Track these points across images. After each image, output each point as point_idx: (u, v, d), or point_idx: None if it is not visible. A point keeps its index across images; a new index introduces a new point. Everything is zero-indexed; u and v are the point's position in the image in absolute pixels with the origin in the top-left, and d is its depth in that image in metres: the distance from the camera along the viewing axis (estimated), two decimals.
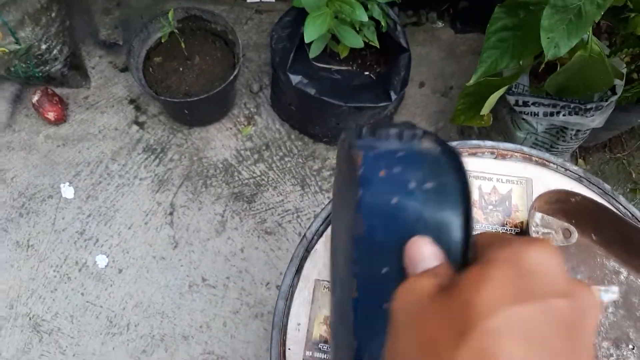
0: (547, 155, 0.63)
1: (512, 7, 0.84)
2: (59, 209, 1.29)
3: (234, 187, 1.32)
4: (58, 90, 1.37)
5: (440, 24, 1.59)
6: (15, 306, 1.20)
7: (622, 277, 0.59)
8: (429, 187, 0.28)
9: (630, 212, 0.61)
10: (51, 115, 1.33)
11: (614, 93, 1.00)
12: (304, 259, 0.58)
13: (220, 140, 1.37)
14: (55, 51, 1.29)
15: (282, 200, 1.31)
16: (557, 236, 0.57)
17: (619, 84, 1.01)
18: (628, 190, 1.39)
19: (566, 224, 0.57)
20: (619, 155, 1.43)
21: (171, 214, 1.29)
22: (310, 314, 0.56)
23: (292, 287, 0.57)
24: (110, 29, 1.46)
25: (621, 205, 0.62)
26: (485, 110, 1.02)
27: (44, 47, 1.25)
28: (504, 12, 0.85)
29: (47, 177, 1.32)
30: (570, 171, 0.63)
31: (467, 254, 0.28)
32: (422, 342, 0.22)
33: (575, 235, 0.57)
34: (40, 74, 1.31)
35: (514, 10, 0.84)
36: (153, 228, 1.28)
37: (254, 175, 1.34)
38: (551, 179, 0.62)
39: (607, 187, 0.62)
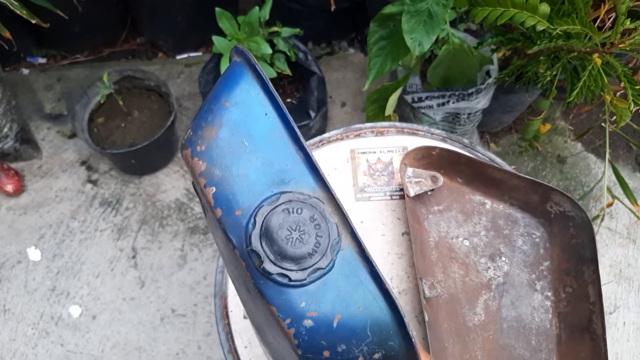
0: (415, 126, 0.79)
1: (383, 20, 1.02)
2: (29, 271, 1.38)
3: (188, 222, 1.44)
4: (13, 164, 1.48)
5: (352, 51, 1.79)
6: None
7: (487, 207, 0.74)
8: (377, 358, 0.27)
9: (486, 156, 0.77)
10: (9, 188, 1.43)
11: (490, 77, 1.19)
12: None
13: (170, 183, 1.50)
14: (5, 129, 1.41)
15: None
16: (426, 182, 0.72)
17: (493, 68, 1.20)
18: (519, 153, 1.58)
19: (432, 172, 0.72)
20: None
21: (134, 257, 1.40)
22: None
23: None
24: (54, 102, 1.59)
25: (479, 153, 0.78)
26: (389, 111, 1.19)
27: None
28: (377, 26, 1.03)
29: (14, 244, 1.41)
30: (435, 134, 0.79)
31: None
32: None
33: (441, 179, 0.72)
34: None
35: (385, 22, 1.02)
36: (119, 273, 1.38)
37: None
38: (421, 143, 0.78)
39: (466, 141, 0.78)
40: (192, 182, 0.27)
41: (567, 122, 1.71)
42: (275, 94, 0.28)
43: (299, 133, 0.27)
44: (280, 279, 0.24)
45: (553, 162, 1.63)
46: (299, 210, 0.25)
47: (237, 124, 0.27)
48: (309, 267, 0.24)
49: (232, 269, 0.29)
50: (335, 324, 0.25)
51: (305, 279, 0.24)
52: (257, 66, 0.28)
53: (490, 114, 1.47)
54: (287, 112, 0.28)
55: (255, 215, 0.24)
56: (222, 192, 0.25)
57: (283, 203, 0.24)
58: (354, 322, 0.26)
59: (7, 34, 1.22)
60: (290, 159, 0.26)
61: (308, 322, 0.25)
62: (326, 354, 0.25)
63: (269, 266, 0.24)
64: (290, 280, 0.24)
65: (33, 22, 1.14)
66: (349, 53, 1.78)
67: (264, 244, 0.24)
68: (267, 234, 0.24)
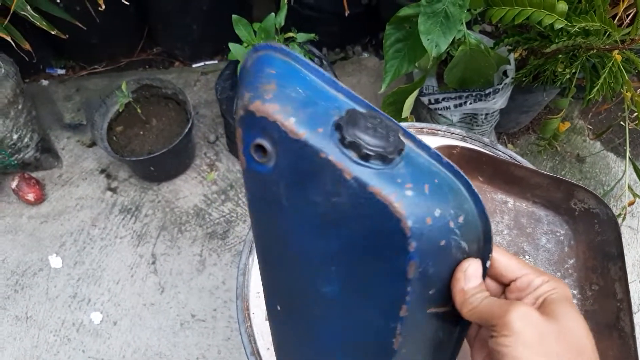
0: (434, 125, 0.79)
1: (398, 23, 1.03)
2: (50, 279, 1.40)
3: (206, 228, 1.45)
4: (34, 174, 1.51)
5: (365, 55, 1.79)
6: None
7: (510, 205, 0.73)
8: (461, 221, 0.32)
9: (507, 154, 0.77)
10: (31, 197, 1.46)
11: (507, 77, 1.19)
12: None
13: (188, 189, 1.51)
14: (26, 139, 1.43)
15: None
16: None
17: (510, 68, 1.19)
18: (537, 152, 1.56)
19: None
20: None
21: (153, 263, 1.41)
22: None
23: (247, 265, 0.70)
24: (73, 112, 1.62)
25: (500, 151, 0.77)
26: (406, 113, 1.19)
27: (15, 137, 1.39)
28: (394, 28, 1.03)
29: (35, 252, 1.43)
30: (455, 134, 0.79)
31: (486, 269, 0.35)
32: (546, 352, 0.30)
33: None
34: (16, 162, 1.45)
35: (401, 25, 1.03)
36: (139, 279, 1.39)
37: (224, 214, 1.47)
38: (441, 143, 0.78)
39: (486, 139, 0.78)
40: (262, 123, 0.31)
41: (586, 121, 1.69)
42: (308, 61, 0.34)
43: (337, 81, 0.33)
44: (377, 163, 0.29)
45: (572, 162, 1.61)
46: (364, 116, 0.30)
47: (287, 80, 0.32)
48: (394, 150, 0.29)
49: (306, 195, 0.32)
50: (427, 191, 0.30)
51: (395, 159, 0.30)
52: (283, 48, 0.33)
53: (508, 114, 1.47)
54: (321, 69, 0.33)
55: (337, 126, 0.30)
56: (301, 119, 0.30)
57: (350, 114, 0.30)
58: (437, 189, 0.31)
59: (27, 46, 1.25)
60: (338, 98, 0.33)
61: (409, 192, 0.29)
62: (428, 220, 0.29)
63: (367, 151, 0.29)
64: (384, 161, 0.29)
65: (53, 33, 1.17)
66: (363, 57, 1.78)
67: (357, 136, 0.29)
68: (355, 131, 0.29)
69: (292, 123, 0.30)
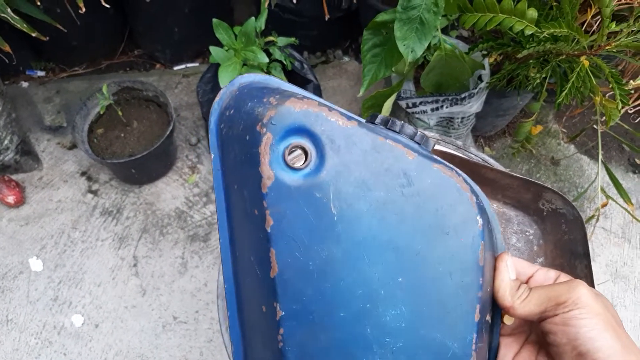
0: None
1: (376, 28, 1.05)
2: (31, 281, 1.39)
3: (188, 230, 1.46)
4: (14, 176, 1.50)
5: (346, 59, 1.82)
6: None
7: None
8: (490, 213, 0.35)
9: (479, 157, 0.80)
10: (11, 200, 1.45)
11: (482, 81, 1.22)
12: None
13: (170, 192, 1.51)
14: (6, 141, 1.43)
15: None
16: None
17: (485, 72, 1.23)
18: (512, 155, 1.61)
19: None
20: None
21: (135, 265, 1.41)
22: None
23: None
24: (53, 114, 1.61)
25: (472, 154, 0.80)
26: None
27: None
28: (371, 33, 1.06)
29: (16, 255, 1.42)
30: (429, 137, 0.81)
31: None
32: (609, 319, 0.33)
33: None
34: None
35: (378, 30, 1.05)
36: (121, 281, 1.39)
37: (205, 216, 1.48)
38: None
39: (459, 142, 0.80)
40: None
41: (560, 125, 1.74)
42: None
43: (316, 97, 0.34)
44: (424, 147, 0.33)
45: (547, 164, 1.66)
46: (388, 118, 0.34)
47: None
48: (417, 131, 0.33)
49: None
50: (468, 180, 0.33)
51: (417, 132, 0.33)
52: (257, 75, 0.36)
53: (484, 118, 1.50)
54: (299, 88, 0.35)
55: (374, 118, 0.33)
56: (341, 112, 0.31)
57: (376, 115, 0.33)
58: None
59: (7, 48, 1.24)
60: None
61: (462, 173, 0.32)
62: (481, 200, 0.31)
63: (416, 136, 0.32)
64: (427, 145, 0.33)
65: (33, 35, 1.17)
66: (344, 61, 1.80)
67: (401, 125, 0.32)
68: (396, 122, 0.32)
69: (337, 114, 0.29)
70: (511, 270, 0.37)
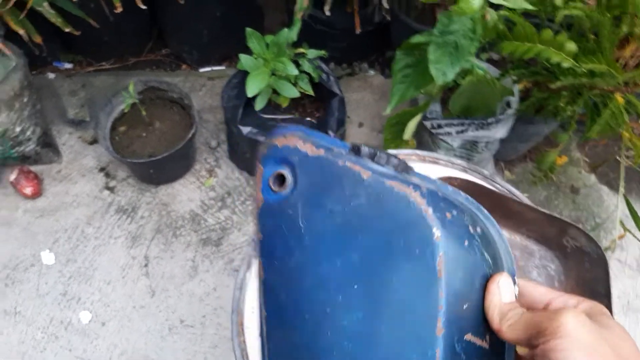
0: (435, 154, 0.80)
1: (408, 49, 1.04)
2: (42, 275, 1.39)
3: (201, 233, 1.46)
4: (33, 167, 1.51)
5: (372, 73, 1.81)
6: None
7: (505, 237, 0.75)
8: (479, 231, 0.33)
9: (505, 188, 0.78)
10: (28, 191, 1.46)
11: (510, 107, 1.20)
12: (255, 257, 0.72)
13: (186, 194, 1.51)
14: (28, 132, 1.43)
15: (247, 239, 1.44)
16: None
17: (513, 99, 1.21)
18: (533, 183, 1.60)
19: None
20: None
21: (146, 265, 1.41)
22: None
23: (244, 280, 0.71)
24: (77, 108, 1.62)
25: (498, 184, 0.79)
26: (407, 135, 1.21)
27: (18, 129, 1.40)
28: (403, 54, 1.05)
29: (28, 247, 1.43)
30: (456, 164, 0.80)
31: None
32: (602, 355, 0.29)
33: None
34: (16, 155, 1.45)
35: (411, 51, 1.04)
36: (130, 280, 1.39)
37: (219, 220, 1.48)
38: (442, 173, 0.79)
39: (486, 172, 0.79)
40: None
41: (583, 154, 1.71)
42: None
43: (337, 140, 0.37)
44: (390, 168, 0.33)
45: (566, 192, 1.63)
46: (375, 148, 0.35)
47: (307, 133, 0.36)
48: (405, 166, 0.34)
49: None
50: (440, 195, 0.32)
51: (407, 170, 0.34)
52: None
53: (507, 142, 1.48)
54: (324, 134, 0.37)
55: (352, 146, 0.34)
56: (318, 143, 0.34)
57: (362, 144, 0.35)
58: (448, 193, 0.33)
59: (39, 39, 1.25)
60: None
61: (424, 189, 0.32)
62: (448, 215, 0.31)
63: (382, 159, 0.33)
64: (397, 169, 0.33)
65: (66, 30, 1.17)
66: (369, 75, 1.80)
67: (372, 152, 0.34)
68: (369, 149, 0.34)
69: (310, 144, 0.34)
70: (504, 292, 0.33)
